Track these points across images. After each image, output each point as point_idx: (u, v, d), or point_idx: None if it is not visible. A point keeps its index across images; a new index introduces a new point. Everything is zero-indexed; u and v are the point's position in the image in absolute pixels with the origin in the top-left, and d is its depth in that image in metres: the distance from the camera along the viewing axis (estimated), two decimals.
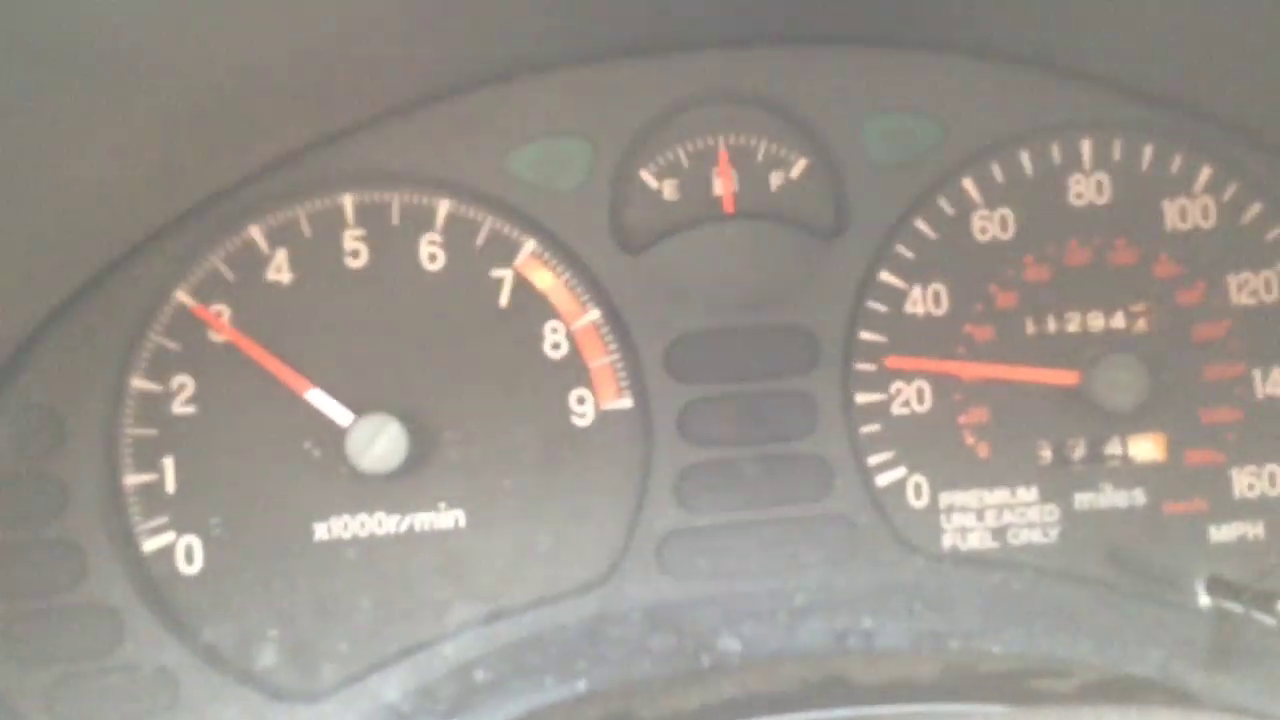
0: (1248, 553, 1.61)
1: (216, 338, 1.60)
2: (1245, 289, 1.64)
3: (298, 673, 1.55)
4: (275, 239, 1.61)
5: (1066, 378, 1.60)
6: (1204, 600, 1.55)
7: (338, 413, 1.57)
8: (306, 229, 1.62)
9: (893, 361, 1.63)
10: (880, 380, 1.64)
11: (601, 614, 1.54)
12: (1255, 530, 1.62)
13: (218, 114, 1.45)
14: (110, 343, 1.58)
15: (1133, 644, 1.45)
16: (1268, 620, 1.37)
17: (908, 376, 1.63)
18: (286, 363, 1.58)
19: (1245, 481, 1.63)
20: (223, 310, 1.60)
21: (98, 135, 1.33)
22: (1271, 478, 1.63)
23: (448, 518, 1.60)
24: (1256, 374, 1.64)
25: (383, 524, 1.59)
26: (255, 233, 1.61)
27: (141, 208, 1.55)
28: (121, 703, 1.54)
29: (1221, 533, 1.62)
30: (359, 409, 1.56)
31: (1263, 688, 1.39)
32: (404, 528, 1.59)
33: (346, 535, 1.59)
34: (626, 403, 1.62)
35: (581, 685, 1.35)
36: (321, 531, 1.59)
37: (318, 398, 1.57)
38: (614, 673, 1.42)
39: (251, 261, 1.61)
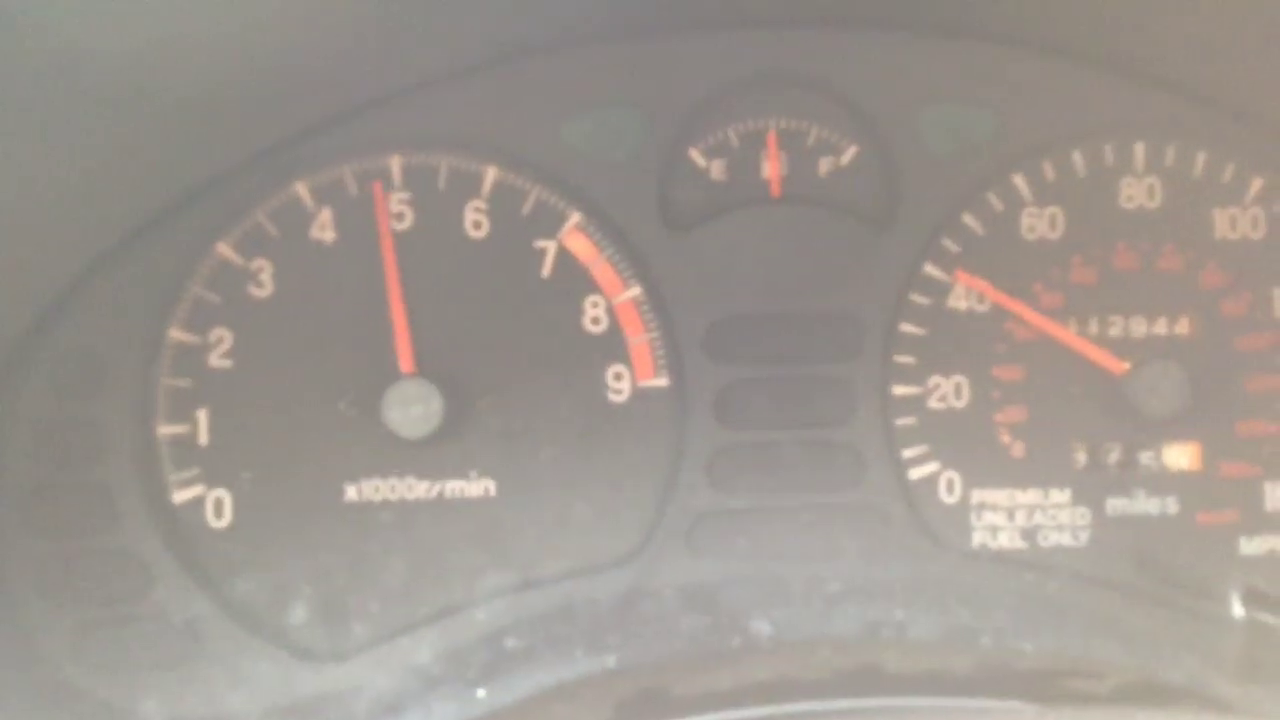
0: (1277, 566, 1.60)
1: (258, 292, 1.59)
2: None
3: (327, 631, 1.54)
4: (321, 197, 1.60)
5: (1116, 364, 1.59)
6: (1238, 611, 1.55)
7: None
8: (353, 188, 1.61)
9: (962, 276, 1.61)
10: (919, 373, 1.63)
11: (633, 590, 1.54)
12: None
13: (268, 72, 1.44)
14: (151, 292, 1.57)
15: (1164, 651, 1.45)
16: None
17: (946, 370, 1.63)
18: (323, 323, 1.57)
19: (1279, 495, 1.62)
20: (264, 266, 1.59)
21: (146, 88, 1.32)
22: None
23: (479, 486, 1.59)
24: None
25: (414, 489, 1.59)
26: (301, 190, 1.60)
27: (188, 161, 1.55)
28: (147, 650, 1.54)
29: (1252, 545, 1.61)
30: (396, 373, 1.55)
31: None
32: (434, 493, 1.59)
33: (377, 498, 1.58)
34: (663, 381, 1.62)
35: (612, 660, 1.34)
36: (352, 492, 1.58)
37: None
38: (645, 649, 1.42)
39: (296, 218, 1.60)
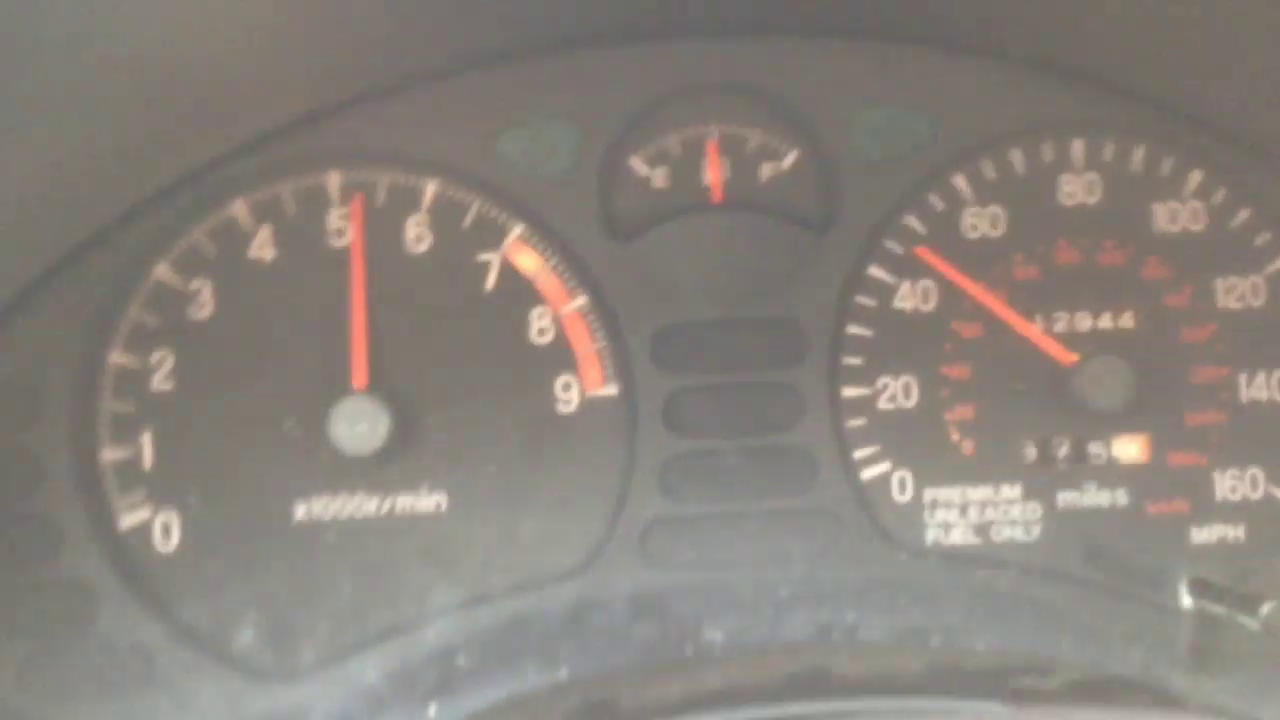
0: (1228, 554, 1.61)
1: (198, 314, 1.58)
2: (1232, 293, 1.64)
3: (276, 653, 1.53)
4: (259, 215, 1.59)
5: (1066, 356, 1.60)
6: (1186, 601, 1.55)
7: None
8: (291, 206, 1.59)
9: (922, 252, 1.62)
10: (867, 374, 1.63)
11: (584, 601, 1.53)
12: (1236, 533, 1.62)
13: (200, 89, 1.43)
14: (88, 317, 1.56)
15: (1114, 643, 1.45)
16: (1250, 623, 1.37)
17: (894, 370, 1.63)
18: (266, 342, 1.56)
19: (1228, 484, 1.63)
20: (204, 286, 1.58)
21: (75, 109, 1.31)
22: (1253, 481, 1.63)
23: (429, 501, 1.58)
24: (1241, 378, 1.64)
25: (363, 506, 1.58)
26: (239, 209, 1.59)
27: (121, 182, 1.53)
28: (95, 678, 1.52)
29: (1202, 534, 1.62)
30: (343, 390, 1.54)
31: (1243, 689, 1.40)
32: (385, 510, 1.58)
33: (326, 516, 1.57)
34: (612, 390, 1.61)
35: (563, 673, 1.34)
36: (301, 512, 1.57)
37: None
38: (596, 661, 1.41)
39: (234, 238, 1.59)
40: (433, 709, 1.35)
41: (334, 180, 1.59)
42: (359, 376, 1.56)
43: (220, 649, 1.54)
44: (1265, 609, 1.34)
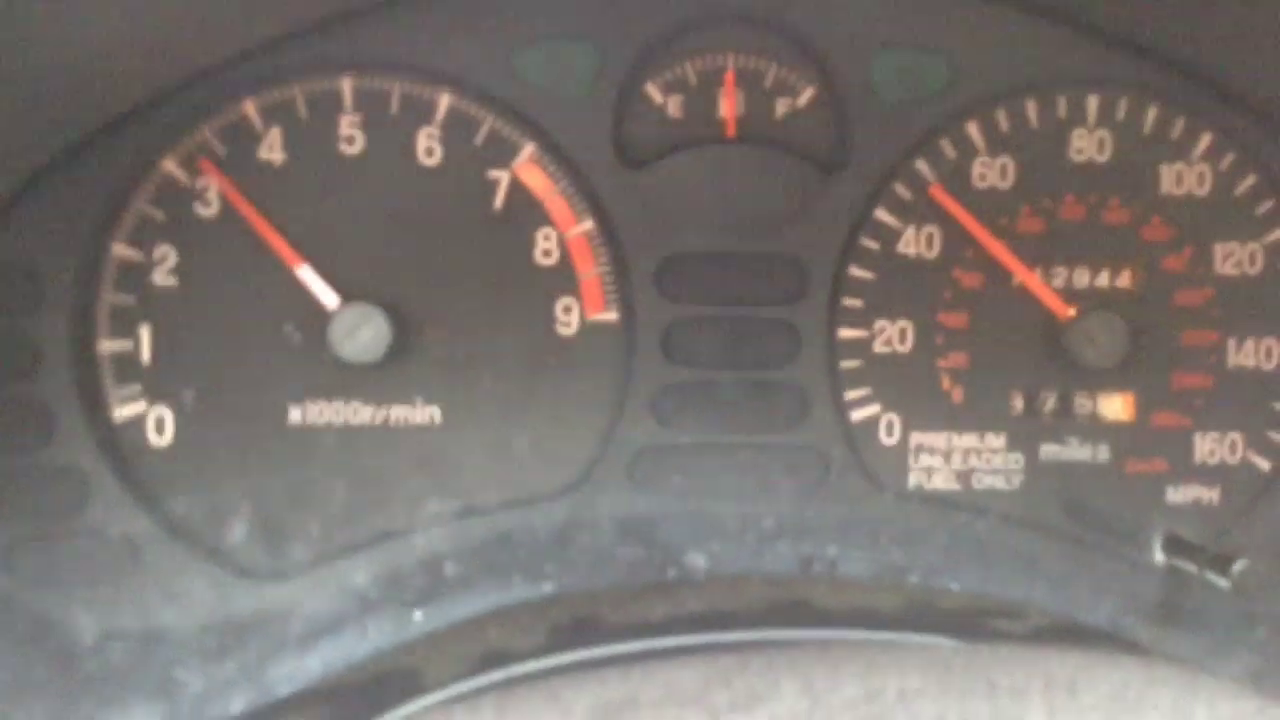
0: (1201, 515, 1.65)
1: (204, 211, 1.57)
2: (1230, 259, 1.66)
3: (266, 551, 1.55)
4: (270, 117, 1.58)
5: (1063, 309, 1.62)
6: (1159, 557, 1.59)
7: (325, 294, 1.55)
8: (303, 110, 1.58)
9: (936, 192, 1.63)
10: (865, 317, 1.65)
11: (571, 520, 1.55)
12: (1211, 495, 1.66)
13: None
14: (93, 207, 1.55)
15: (1086, 593, 1.49)
16: (1220, 582, 1.41)
17: (892, 315, 1.64)
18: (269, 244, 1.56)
19: (1207, 447, 1.66)
20: (210, 185, 1.58)
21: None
22: (1232, 446, 1.66)
23: (424, 413, 1.60)
24: (1231, 343, 1.66)
25: (358, 413, 1.59)
26: (249, 108, 1.58)
27: (133, 75, 1.51)
28: (82, 565, 1.54)
29: (1178, 494, 1.66)
30: (344, 297, 1.55)
31: (1208, 646, 1.44)
32: (379, 419, 1.59)
33: (321, 421, 1.58)
34: (612, 315, 1.62)
35: (549, 587, 1.36)
36: (296, 415, 1.58)
37: (308, 275, 1.56)
38: (581, 578, 1.44)
39: (244, 138, 1.58)
40: (418, 614, 1.37)
41: (347, 86, 1.58)
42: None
43: (210, 544, 1.56)
44: (1236, 567, 1.38)
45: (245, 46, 1.55)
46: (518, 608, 1.33)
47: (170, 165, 1.57)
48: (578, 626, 1.26)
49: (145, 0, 1.35)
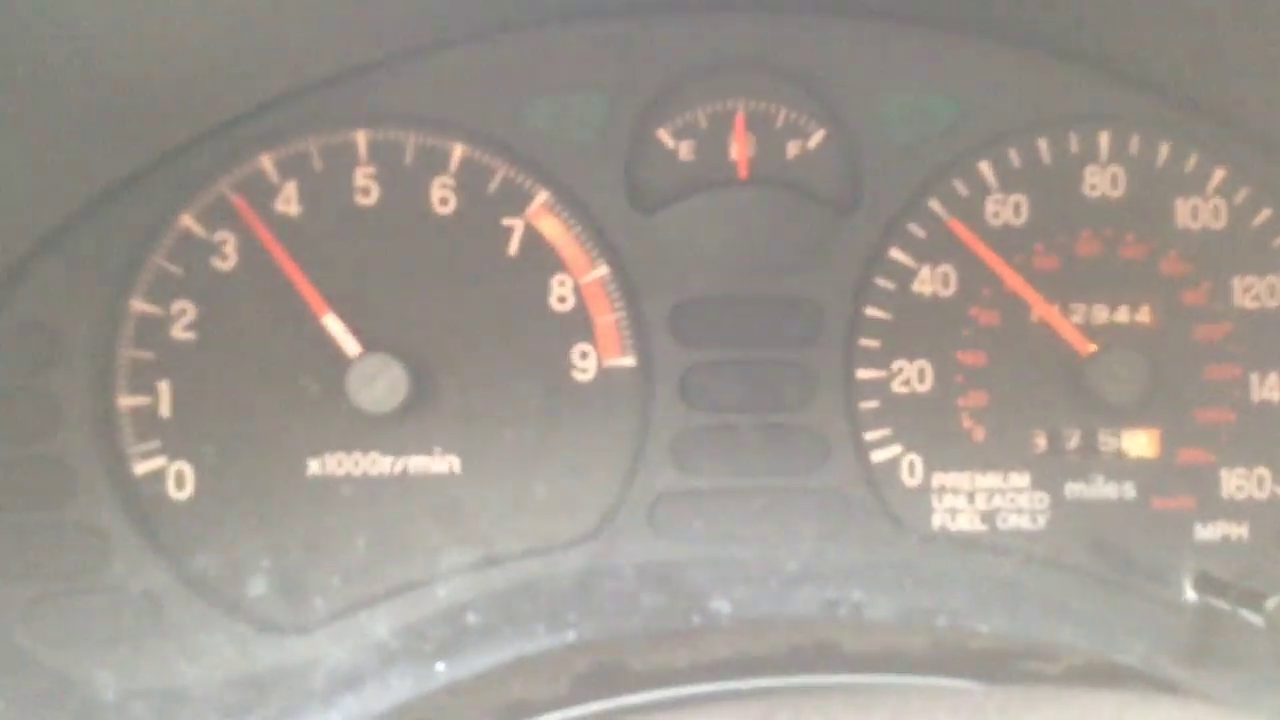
0: (1231, 552, 1.62)
1: (221, 265, 1.58)
2: (1249, 292, 1.65)
3: (287, 605, 1.54)
4: (286, 170, 1.60)
5: (1084, 345, 1.61)
6: (1190, 595, 1.57)
7: (347, 342, 1.55)
8: (318, 163, 1.60)
9: (955, 225, 1.63)
10: (882, 357, 1.64)
11: (593, 568, 1.54)
12: (1240, 531, 1.63)
13: (234, 42, 1.43)
14: (111, 263, 1.56)
15: (1116, 633, 1.47)
16: (1253, 619, 1.38)
17: (910, 354, 1.64)
18: (287, 297, 1.57)
19: (1234, 483, 1.64)
20: (228, 238, 1.59)
21: (109, 56, 1.31)
22: (1260, 481, 1.64)
23: (442, 463, 1.59)
24: (1254, 377, 1.65)
25: (377, 464, 1.59)
26: (266, 162, 1.59)
27: (151, 130, 1.53)
28: (103, 622, 1.53)
29: (1207, 531, 1.63)
30: (363, 347, 1.55)
31: (1244, 684, 1.41)
32: (398, 469, 1.59)
33: (340, 472, 1.58)
34: (629, 361, 1.62)
35: (571, 636, 1.35)
36: (315, 467, 1.58)
37: (333, 324, 1.56)
38: (604, 626, 1.43)
39: (261, 191, 1.59)
40: (441, 666, 1.36)
41: (361, 138, 1.59)
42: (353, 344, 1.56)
43: (231, 599, 1.55)
44: (1270, 604, 1.36)
45: (261, 100, 1.57)
46: (541, 657, 1.32)
47: (188, 220, 1.58)
48: (602, 675, 1.24)
49: (160, 57, 1.37)
